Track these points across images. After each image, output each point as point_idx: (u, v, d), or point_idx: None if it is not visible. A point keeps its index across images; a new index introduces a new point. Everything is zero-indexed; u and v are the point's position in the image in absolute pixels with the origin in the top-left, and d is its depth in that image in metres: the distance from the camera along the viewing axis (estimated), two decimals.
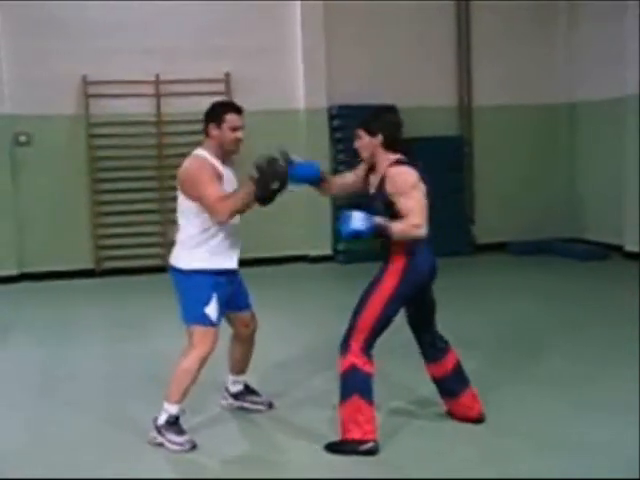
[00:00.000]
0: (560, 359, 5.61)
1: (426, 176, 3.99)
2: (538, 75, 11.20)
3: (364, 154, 4.06)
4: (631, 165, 9.80)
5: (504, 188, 11.14)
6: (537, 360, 5.56)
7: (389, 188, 3.90)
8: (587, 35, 10.82)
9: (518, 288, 8.43)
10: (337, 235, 10.44)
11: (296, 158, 4.16)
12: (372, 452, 3.89)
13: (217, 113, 4.22)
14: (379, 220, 3.82)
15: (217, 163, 4.19)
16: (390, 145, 3.99)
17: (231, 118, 4.18)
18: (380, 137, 3.97)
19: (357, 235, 3.81)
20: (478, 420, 4.24)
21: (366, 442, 3.89)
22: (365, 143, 4.02)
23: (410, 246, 3.93)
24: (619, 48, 9.85)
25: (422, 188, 3.91)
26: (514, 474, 3.69)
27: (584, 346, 5.95)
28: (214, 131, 4.19)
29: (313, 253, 10.52)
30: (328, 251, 10.57)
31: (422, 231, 3.83)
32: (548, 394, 4.84)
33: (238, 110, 4.24)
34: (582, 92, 11.00)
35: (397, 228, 3.82)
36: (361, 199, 4.22)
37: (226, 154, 4.26)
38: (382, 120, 4.03)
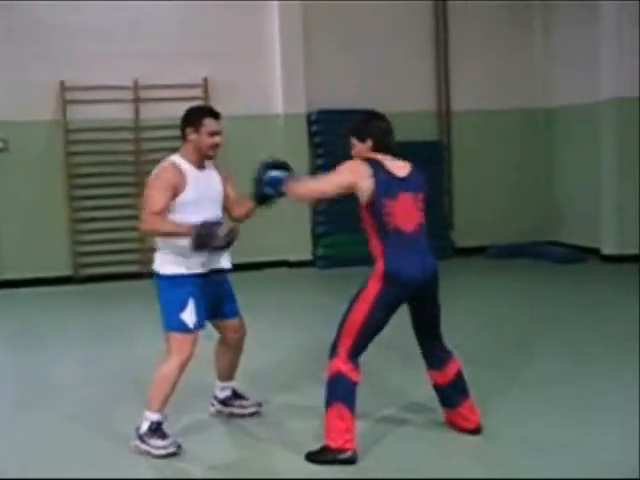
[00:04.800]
0: (548, 360, 5.62)
1: (412, 178, 3.99)
2: (515, 80, 11.27)
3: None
4: (607, 169, 9.90)
5: (482, 192, 11.20)
6: (526, 362, 5.57)
7: None
8: (563, 40, 10.91)
9: (498, 291, 8.49)
10: (317, 238, 10.46)
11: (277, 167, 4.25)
12: (350, 461, 3.87)
13: (195, 118, 4.21)
14: (287, 176, 4.13)
15: (190, 168, 4.19)
16: (380, 149, 3.99)
17: (209, 123, 4.18)
18: (370, 142, 3.98)
19: (268, 183, 4.15)
20: (475, 431, 4.18)
21: (345, 451, 3.87)
22: (358, 149, 4.03)
23: (388, 247, 3.89)
24: (594, 53, 9.94)
25: (364, 183, 3.86)
26: None
27: (570, 347, 5.97)
28: (192, 136, 4.19)
29: (293, 258, 10.52)
30: (308, 256, 10.57)
31: (310, 195, 4.25)
32: (541, 396, 4.83)
33: (216, 115, 4.24)
34: (559, 96, 11.09)
35: (293, 184, 4.08)
36: None
37: (204, 159, 4.25)
38: (370, 124, 4.03)
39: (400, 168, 4.00)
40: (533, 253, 10.55)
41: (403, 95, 10.66)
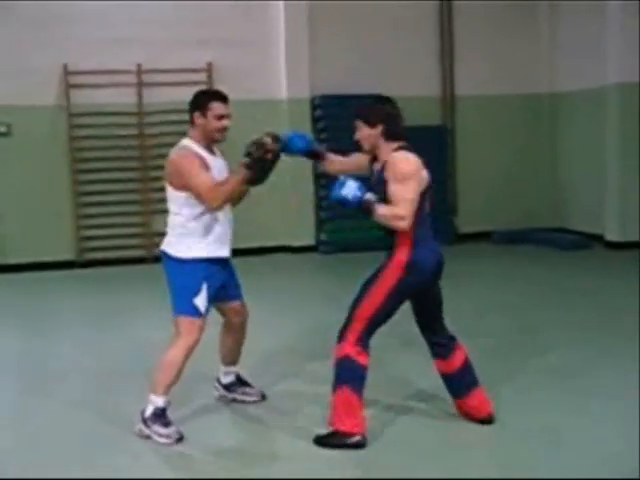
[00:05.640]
0: (556, 348, 5.59)
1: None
2: (520, 65, 11.23)
3: (365, 146, 3.96)
4: (612, 155, 9.87)
5: (487, 178, 11.18)
6: (534, 350, 5.55)
7: (388, 173, 3.81)
8: (569, 25, 10.86)
9: (503, 278, 8.48)
10: (320, 223, 10.46)
11: (287, 134, 4.12)
12: (359, 445, 3.86)
13: (202, 101, 4.18)
14: (369, 196, 3.75)
15: (204, 152, 4.17)
16: (391, 135, 3.89)
17: (216, 106, 4.15)
18: (380, 128, 3.88)
19: (343, 201, 3.77)
20: (486, 421, 4.12)
21: (353, 435, 3.86)
22: (365, 135, 3.92)
23: (416, 237, 3.83)
24: (600, 38, 9.89)
25: (422, 177, 3.81)
26: (517, 475, 3.62)
27: (577, 335, 5.95)
28: (199, 120, 4.16)
29: (296, 243, 10.52)
30: (311, 241, 10.57)
31: (404, 224, 3.72)
32: (550, 385, 4.81)
33: (224, 98, 4.21)
34: (564, 82, 11.05)
35: (381, 211, 3.74)
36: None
37: (212, 142, 4.23)
38: (381, 110, 3.91)
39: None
40: (537, 239, 10.54)
41: (407, 80, 10.62)
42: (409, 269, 3.82)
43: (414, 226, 3.79)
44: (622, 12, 9.48)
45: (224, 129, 4.18)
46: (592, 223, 10.45)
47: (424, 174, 3.83)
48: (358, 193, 3.74)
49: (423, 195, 3.84)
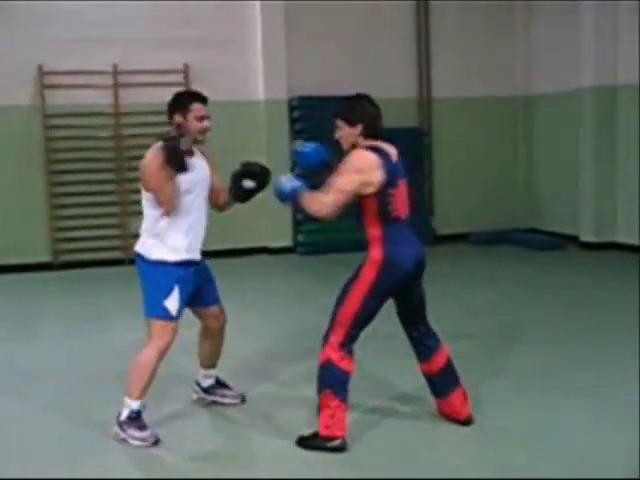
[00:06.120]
0: (535, 347, 5.63)
1: (398, 162, 3.91)
2: (496, 67, 11.31)
3: (345, 145, 3.94)
4: (587, 156, 9.95)
5: (462, 179, 11.24)
6: (514, 349, 5.58)
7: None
8: (543, 28, 10.95)
9: (480, 278, 8.53)
10: (298, 224, 10.46)
11: (302, 145, 4.10)
12: (339, 449, 3.87)
13: (182, 103, 4.17)
14: (301, 188, 3.82)
15: None
16: (370, 134, 3.88)
17: (197, 107, 4.14)
18: (360, 127, 3.87)
19: (279, 195, 3.87)
20: (466, 422, 4.15)
21: (334, 439, 3.87)
22: (345, 134, 3.91)
23: (387, 236, 3.82)
24: (574, 41, 9.98)
25: (373, 176, 3.75)
26: (500, 475, 3.62)
27: (555, 333, 6.00)
28: (179, 121, 4.16)
29: (273, 244, 10.51)
30: (289, 242, 10.57)
31: (325, 210, 3.74)
32: (530, 384, 4.83)
33: (203, 99, 4.19)
34: (538, 84, 11.14)
35: (305, 197, 3.80)
36: None
37: (192, 144, 4.20)
38: (360, 109, 3.90)
39: (393, 153, 3.93)
40: (513, 240, 10.62)
41: (384, 82, 10.64)
42: (383, 267, 3.81)
43: (381, 225, 3.81)
44: (597, 14, 9.56)
45: (206, 130, 4.18)
46: (567, 224, 10.54)
47: (376, 175, 3.77)
48: (289, 184, 3.82)
49: (378, 196, 3.79)
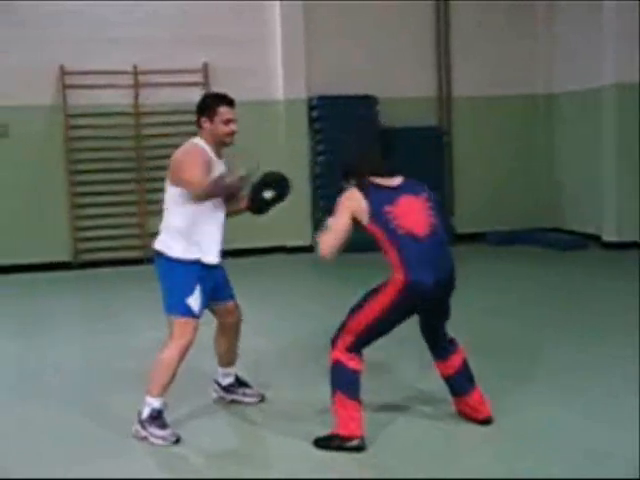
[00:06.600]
0: (556, 348, 5.57)
1: (407, 183, 3.98)
2: (517, 65, 11.23)
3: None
4: (609, 155, 9.87)
5: (483, 178, 11.18)
6: (534, 350, 5.53)
7: None
8: (565, 25, 10.86)
9: (501, 278, 8.48)
10: (316, 223, 10.44)
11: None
12: (358, 449, 3.87)
13: (209, 106, 4.18)
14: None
15: (211, 153, 4.18)
16: (364, 182, 3.96)
17: (223, 111, 4.15)
18: (352, 182, 4.00)
19: None
20: (486, 422, 4.13)
21: (351, 439, 3.86)
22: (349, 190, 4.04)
23: (405, 258, 3.79)
24: (597, 38, 9.90)
25: (362, 203, 3.87)
26: (518, 476, 3.60)
27: (578, 334, 5.95)
28: (206, 124, 4.16)
29: (291, 244, 10.51)
30: (306, 241, 10.56)
31: (323, 249, 3.92)
32: (553, 385, 4.79)
33: (230, 102, 4.20)
34: (560, 82, 11.06)
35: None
36: None
37: (219, 146, 4.22)
38: (352, 168, 4.08)
39: (392, 180, 3.99)
40: (534, 240, 10.54)
41: (404, 81, 10.63)
42: (403, 291, 3.80)
43: (395, 247, 3.82)
44: (619, 12, 9.48)
45: (232, 133, 4.19)
46: (589, 223, 10.46)
47: (363, 202, 3.87)
48: None
49: (376, 224, 3.85)
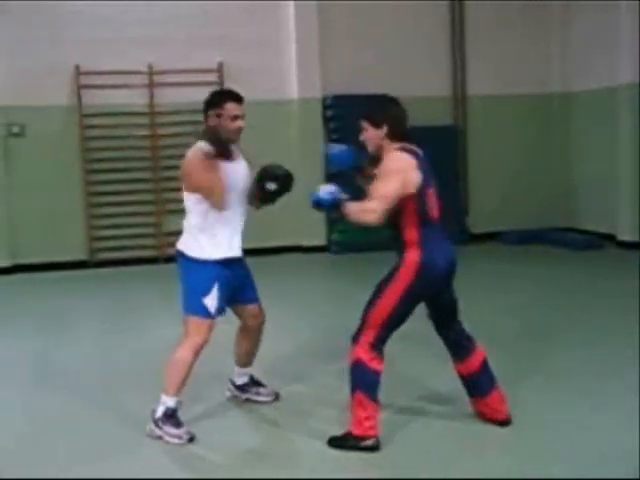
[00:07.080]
0: (571, 349, 5.56)
1: (427, 163, 3.89)
2: (532, 64, 11.20)
3: (370, 146, 3.94)
4: (625, 154, 9.82)
5: (498, 177, 11.15)
6: (549, 351, 5.51)
7: (378, 171, 3.83)
8: (581, 24, 10.81)
9: (516, 278, 8.43)
10: (332, 223, 10.44)
11: (332, 147, 4.22)
12: (373, 448, 3.86)
13: (216, 102, 4.17)
14: (344, 196, 3.80)
15: (219, 161, 4.15)
16: (396, 136, 3.87)
17: (230, 107, 4.13)
18: (385, 128, 3.86)
19: (318, 204, 3.84)
20: (505, 422, 4.11)
21: (367, 438, 3.86)
22: (370, 135, 3.91)
23: (423, 238, 3.80)
24: (613, 37, 9.85)
25: (411, 178, 3.75)
26: (534, 476, 3.59)
27: (591, 336, 5.92)
28: (213, 120, 4.16)
29: (307, 243, 10.51)
30: (322, 241, 10.57)
31: (372, 217, 3.70)
32: (567, 387, 4.77)
33: (238, 99, 4.18)
34: (576, 81, 11.00)
35: (351, 208, 3.78)
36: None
37: (226, 143, 4.21)
38: (386, 111, 3.90)
39: (421, 155, 3.93)
40: (549, 239, 10.50)
41: (419, 80, 10.61)
42: (420, 270, 3.79)
43: (417, 227, 3.80)
44: (635, 11, 9.43)
45: (239, 130, 4.17)
46: (604, 223, 10.40)
47: (414, 175, 3.77)
48: (332, 194, 3.80)
49: (417, 197, 3.79)
